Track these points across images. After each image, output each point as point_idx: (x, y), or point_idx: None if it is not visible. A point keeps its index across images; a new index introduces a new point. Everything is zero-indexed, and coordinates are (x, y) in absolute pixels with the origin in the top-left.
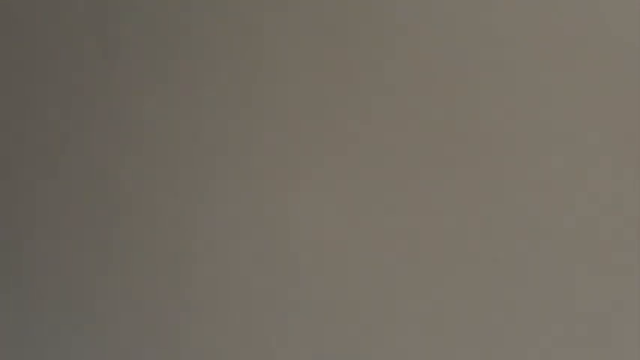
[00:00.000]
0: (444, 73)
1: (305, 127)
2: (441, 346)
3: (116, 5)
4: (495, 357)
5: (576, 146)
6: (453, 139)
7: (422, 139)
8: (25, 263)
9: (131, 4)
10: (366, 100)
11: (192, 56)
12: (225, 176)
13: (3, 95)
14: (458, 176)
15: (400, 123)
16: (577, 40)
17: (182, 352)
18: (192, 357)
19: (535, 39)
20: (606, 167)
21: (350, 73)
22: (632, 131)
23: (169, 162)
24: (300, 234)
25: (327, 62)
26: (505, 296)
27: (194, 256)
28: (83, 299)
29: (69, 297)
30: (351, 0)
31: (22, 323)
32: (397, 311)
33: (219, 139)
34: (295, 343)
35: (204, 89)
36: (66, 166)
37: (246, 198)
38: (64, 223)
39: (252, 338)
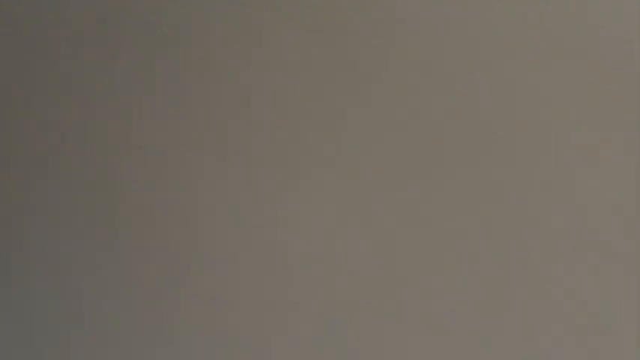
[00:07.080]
0: (444, 73)
1: (305, 127)
2: (440, 346)
3: (116, 5)
4: (495, 357)
5: (575, 146)
6: (453, 139)
7: (421, 139)
8: (25, 263)
9: (131, 3)
10: (366, 100)
11: (193, 56)
12: (225, 176)
13: (3, 95)
14: (458, 176)
15: (400, 123)
16: (577, 40)
17: (182, 351)
18: (193, 357)
19: (536, 39)
20: (606, 167)
21: (350, 73)
22: (632, 131)
23: (169, 162)
24: (300, 234)
25: (328, 62)
26: (505, 296)
27: (193, 256)
28: (84, 299)
29: (69, 297)
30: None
31: (22, 323)
32: (397, 311)
33: (219, 138)
34: (294, 344)
35: (204, 89)
36: (65, 166)
37: (246, 198)
38: (64, 223)
39: (250, 338)
